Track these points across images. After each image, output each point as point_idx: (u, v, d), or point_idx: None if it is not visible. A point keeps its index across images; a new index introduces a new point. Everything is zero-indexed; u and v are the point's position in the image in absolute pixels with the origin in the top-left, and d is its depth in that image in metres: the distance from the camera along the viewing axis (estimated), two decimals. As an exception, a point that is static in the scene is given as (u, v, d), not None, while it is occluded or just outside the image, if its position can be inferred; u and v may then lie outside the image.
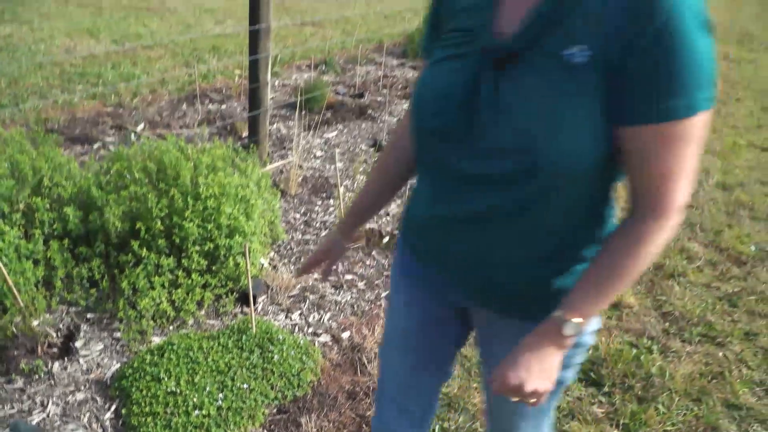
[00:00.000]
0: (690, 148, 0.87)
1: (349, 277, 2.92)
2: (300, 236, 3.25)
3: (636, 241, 0.93)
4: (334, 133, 4.76)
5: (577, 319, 0.95)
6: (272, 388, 2.15)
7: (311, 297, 2.73)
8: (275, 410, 2.11)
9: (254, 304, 2.58)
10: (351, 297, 2.77)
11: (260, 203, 2.76)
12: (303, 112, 4.87)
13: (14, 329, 2.30)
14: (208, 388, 2.08)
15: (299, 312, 2.63)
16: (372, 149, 4.49)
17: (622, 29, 0.83)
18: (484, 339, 1.24)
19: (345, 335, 2.51)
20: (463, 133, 0.96)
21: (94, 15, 8.22)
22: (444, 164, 1.02)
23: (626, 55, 0.83)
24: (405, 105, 5.45)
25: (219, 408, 2.02)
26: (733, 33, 12.88)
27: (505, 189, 0.95)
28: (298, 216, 3.45)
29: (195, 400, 2.03)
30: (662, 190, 0.90)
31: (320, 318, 2.61)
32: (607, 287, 0.95)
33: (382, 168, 1.31)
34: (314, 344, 2.42)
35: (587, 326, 1.00)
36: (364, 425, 2.07)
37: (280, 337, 2.33)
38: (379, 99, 5.63)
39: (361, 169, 4.06)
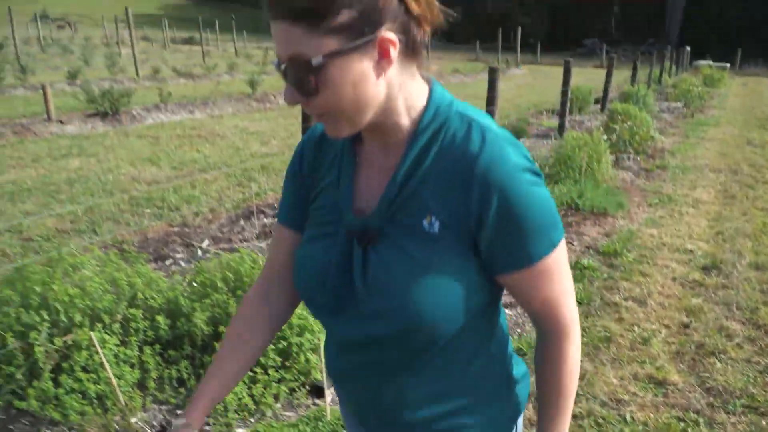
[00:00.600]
0: (562, 272, 1.00)
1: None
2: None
3: (557, 360, 1.06)
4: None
5: None
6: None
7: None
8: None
9: (326, 395, 2.84)
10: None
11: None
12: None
13: (116, 426, 2.60)
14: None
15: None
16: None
17: (467, 205, 0.92)
18: None
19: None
20: (341, 304, 1.01)
21: (152, 145, 9.01)
22: (330, 328, 1.10)
23: (481, 227, 0.93)
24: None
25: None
26: (755, 119, 13.23)
27: (388, 347, 1.01)
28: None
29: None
30: (554, 313, 1.03)
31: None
32: (564, 406, 1.08)
33: (234, 342, 1.18)
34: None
35: None
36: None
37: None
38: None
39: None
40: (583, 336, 3.42)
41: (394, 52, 0.88)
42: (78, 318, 2.71)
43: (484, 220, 0.92)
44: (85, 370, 2.66)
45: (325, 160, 1.08)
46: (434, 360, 1.03)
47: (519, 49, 28.13)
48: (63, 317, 2.70)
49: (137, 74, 17.85)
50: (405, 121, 0.96)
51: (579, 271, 4.39)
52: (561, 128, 9.64)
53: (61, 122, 10.38)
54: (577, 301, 3.24)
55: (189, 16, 63.90)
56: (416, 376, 1.05)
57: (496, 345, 1.12)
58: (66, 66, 19.36)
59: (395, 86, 0.93)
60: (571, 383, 1.07)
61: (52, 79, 16.51)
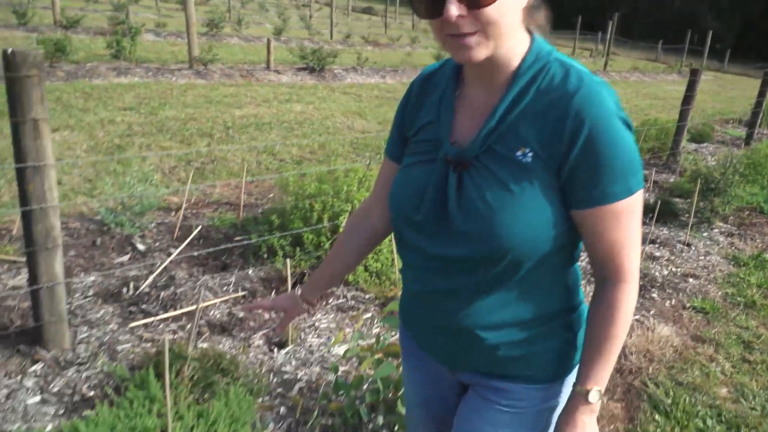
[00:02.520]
0: (633, 221, 1.05)
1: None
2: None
3: (609, 308, 1.10)
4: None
5: (596, 387, 1.12)
6: None
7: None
8: None
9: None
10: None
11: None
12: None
13: (386, 294, 3.51)
14: None
15: None
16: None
17: (559, 137, 1.00)
18: (466, 405, 1.31)
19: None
20: (434, 224, 1.11)
21: (356, 101, 10.15)
22: (419, 248, 1.16)
23: (568, 157, 1.00)
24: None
25: None
26: None
27: (473, 270, 1.09)
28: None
29: None
30: (616, 260, 1.08)
31: None
32: (605, 353, 1.11)
33: (344, 243, 1.44)
34: None
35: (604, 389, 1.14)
36: None
37: None
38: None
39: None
40: None
41: None
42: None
43: (571, 152, 0.99)
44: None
45: (429, 100, 1.20)
46: (515, 288, 1.11)
47: (706, 54, 26.72)
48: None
49: (331, 37, 19.39)
50: (512, 61, 1.06)
51: (759, 263, 4.75)
52: (749, 138, 9.58)
53: (278, 72, 11.87)
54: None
55: (368, -13, 66.17)
56: (496, 302, 1.12)
57: (572, 281, 1.19)
58: (266, 22, 21.39)
59: (518, 28, 1.04)
60: (620, 331, 1.10)
61: (259, 33, 18.42)
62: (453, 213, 1.07)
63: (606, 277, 1.10)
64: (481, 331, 1.15)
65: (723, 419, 2.72)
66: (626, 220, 1.04)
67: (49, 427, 2.25)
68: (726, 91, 19.26)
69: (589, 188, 1.01)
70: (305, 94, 10.19)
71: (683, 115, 7.42)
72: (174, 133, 6.72)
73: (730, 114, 13.82)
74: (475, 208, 1.04)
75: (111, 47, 10.25)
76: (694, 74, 7.22)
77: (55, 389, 2.45)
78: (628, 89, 17.18)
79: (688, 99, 7.31)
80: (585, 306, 1.23)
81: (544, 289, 1.14)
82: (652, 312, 3.69)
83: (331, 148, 6.81)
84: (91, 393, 2.45)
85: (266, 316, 3.16)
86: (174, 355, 2.43)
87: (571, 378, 1.20)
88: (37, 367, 2.56)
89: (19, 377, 2.48)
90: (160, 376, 2.39)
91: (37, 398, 2.40)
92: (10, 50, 2.21)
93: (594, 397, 1.12)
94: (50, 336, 2.62)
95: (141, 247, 3.80)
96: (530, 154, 1.02)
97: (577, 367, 1.19)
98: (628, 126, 1.02)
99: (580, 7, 31.14)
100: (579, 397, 1.13)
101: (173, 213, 4.43)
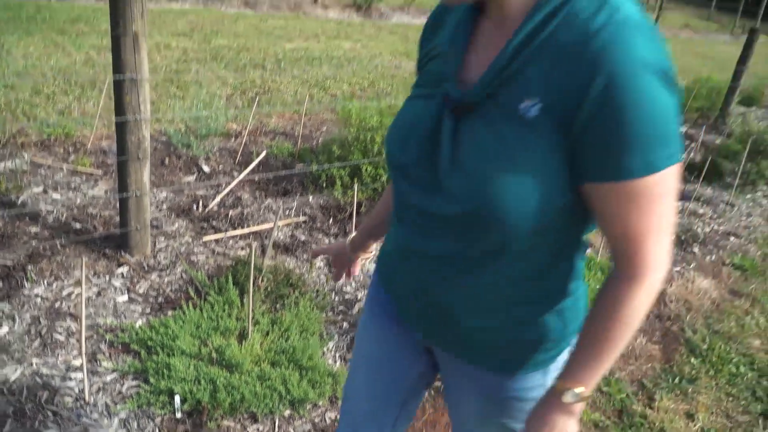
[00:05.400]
0: (657, 206, 0.83)
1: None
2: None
3: (614, 304, 0.90)
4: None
5: (578, 388, 0.94)
6: None
7: None
8: None
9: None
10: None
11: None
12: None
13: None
14: None
15: None
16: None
17: (571, 87, 0.79)
18: (447, 384, 1.23)
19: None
20: (423, 170, 0.95)
21: (403, 41, 10.13)
22: (407, 200, 1.01)
23: (578, 113, 0.79)
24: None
25: None
26: None
27: (463, 233, 0.94)
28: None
29: None
30: (632, 251, 0.87)
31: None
32: (599, 353, 0.93)
33: (386, 195, 1.34)
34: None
35: (589, 393, 0.96)
36: None
37: None
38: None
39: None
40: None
41: None
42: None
43: (582, 108, 0.78)
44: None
45: (444, 29, 1.02)
46: (506, 268, 0.96)
47: (760, 16, 25.69)
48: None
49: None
50: None
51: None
52: (802, 104, 9.40)
53: (325, 6, 11.82)
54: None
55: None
56: (482, 282, 0.98)
57: (574, 266, 1.02)
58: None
59: None
60: (621, 333, 0.91)
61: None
62: (444, 162, 0.91)
63: (618, 268, 0.91)
64: (460, 312, 1.03)
65: (755, 367, 2.87)
66: (647, 204, 0.82)
67: (139, 322, 2.49)
68: (781, 54, 18.62)
69: (601, 158, 0.80)
70: (352, 32, 10.18)
71: (737, 75, 7.32)
72: (228, 61, 6.84)
73: (784, 79, 13.46)
74: (467, 161, 0.89)
75: (163, -29, 10.29)
76: (752, 34, 7.09)
77: (141, 290, 2.69)
78: (678, 46, 16.74)
79: (743, 59, 7.19)
80: (584, 291, 1.08)
81: (538, 272, 0.98)
82: (692, 265, 3.81)
83: (381, 87, 6.89)
84: (173, 296, 2.68)
85: (326, 240, 3.35)
86: (253, 267, 2.65)
87: (555, 369, 1.05)
88: (123, 269, 2.80)
89: (107, 277, 2.72)
90: (237, 283, 2.60)
91: (125, 297, 2.64)
92: (115, -32, 2.35)
93: (569, 397, 0.95)
94: (135, 242, 2.85)
95: (206, 168, 4.00)
96: (537, 107, 0.82)
97: (561, 360, 1.06)
98: (668, 84, 0.78)
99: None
100: (554, 392, 0.98)
101: (233, 138, 4.60)
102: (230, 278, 2.60)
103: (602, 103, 0.77)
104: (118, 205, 2.94)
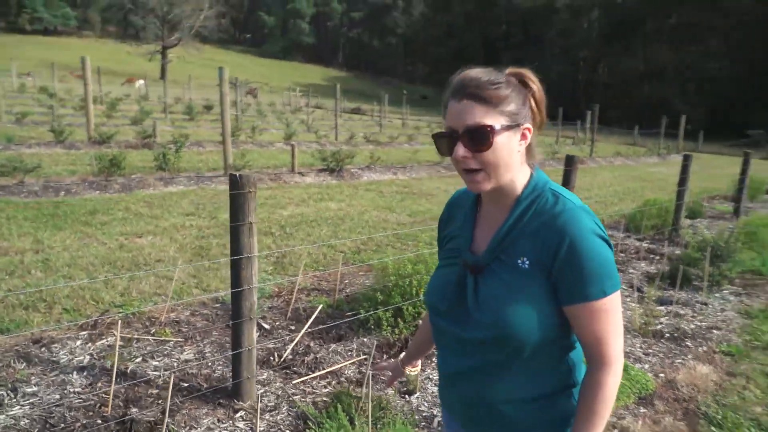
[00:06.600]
0: (611, 317, 1.30)
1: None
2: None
3: (593, 387, 1.33)
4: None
5: None
6: None
7: None
8: None
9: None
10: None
11: None
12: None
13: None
14: None
15: None
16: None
17: (547, 249, 1.29)
18: None
19: None
20: (456, 312, 1.41)
21: (380, 197, 11.17)
22: (446, 332, 1.47)
23: (554, 264, 1.28)
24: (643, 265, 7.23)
25: None
26: None
27: (489, 350, 1.37)
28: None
29: None
30: (600, 348, 1.32)
31: None
32: (590, 424, 1.32)
33: (425, 321, 1.81)
34: None
35: None
36: None
37: None
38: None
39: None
40: None
41: (529, 137, 1.35)
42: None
43: (557, 259, 1.27)
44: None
45: (456, 218, 1.54)
46: (523, 369, 1.37)
47: (682, 136, 28.56)
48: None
49: (336, 138, 20.82)
50: (515, 190, 1.37)
51: (767, 315, 5.62)
52: (737, 212, 10.70)
53: (301, 174, 12.96)
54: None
55: (351, 88, 69.61)
56: (513, 375, 1.38)
57: (571, 362, 1.44)
58: (270, 128, 22.80)
59: (519, 163, 1.36)
60: (604, 409, 1.32)
61: (269, 139, 19.78)
62: (470, 306, 1.37)
63: (591, 361, 1.34)
64: (500, 404, 1.40)
65: (763, 427, 3.52)
66: (603, 316, 1.29)
67: (270, 453, 3.00)
68: (705, 169, 20.68)
69: (570, 289, 1.28)
70: (334, 193, 11.22)
71: (680, 194, 8.49)
72: (240, 233, 7.61)
73: (714, 191, 15.07)
74: (487, 302, 1.34)
75: (157, 160, 11.32)
76: (686, 159, 8.37)
77: (262, 428, 3.21)
78: (616, 173, 18.52)
79: (683, 181, 8.41)
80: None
81: (546, 369, 1.39)
82: (689, 356, 4.52)
83: (379, 240, 7.72)
84: (291, 429, 3.21)
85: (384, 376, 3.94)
86: (350, 396, 3.22)
87: None
88: (242, 413, 3.33)
89: (231, 422, 3.25)
90: (344, 410, 3.17)
91: (250, 435, 3.16)
92: (238, 174, 3.13)
93: None
94: (245, 390, 3.40)
95: (266, 326, 4.61)
96: (528, 262, 1.31)
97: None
98: (605, 241, 1.29)
99: (556, 98, 33.35)
100: None
101: (274, 298, 5.25)
102: (339, 406, 3.16)
103: (568, 256, 1.27)
104: (228, 360, 3.49)
